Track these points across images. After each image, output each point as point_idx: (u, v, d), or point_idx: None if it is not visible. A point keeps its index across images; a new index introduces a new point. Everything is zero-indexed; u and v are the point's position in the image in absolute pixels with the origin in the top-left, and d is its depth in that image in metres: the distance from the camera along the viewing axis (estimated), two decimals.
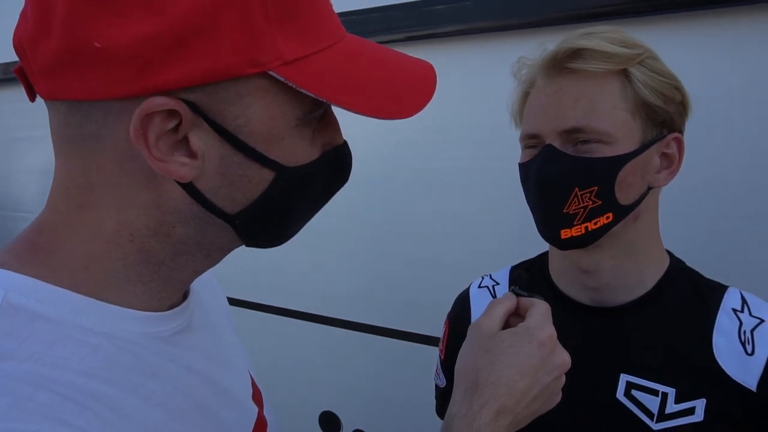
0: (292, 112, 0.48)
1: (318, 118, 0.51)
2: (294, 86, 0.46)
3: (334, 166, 0.54)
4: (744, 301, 0.81)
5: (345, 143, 0.56)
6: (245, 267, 1.94)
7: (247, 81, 0.45)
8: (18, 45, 0.47)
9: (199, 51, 0.43)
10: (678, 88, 0.79)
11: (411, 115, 0.50)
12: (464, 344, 0.65)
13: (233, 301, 2.02)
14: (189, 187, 0.47)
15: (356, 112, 0.48)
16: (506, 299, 0.66)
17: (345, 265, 1.83)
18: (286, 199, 0.51)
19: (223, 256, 0.55)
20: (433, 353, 1.07)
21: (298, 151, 0.50)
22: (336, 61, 0.49)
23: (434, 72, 0.55)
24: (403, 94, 0.51)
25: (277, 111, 0.47)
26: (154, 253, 0.50)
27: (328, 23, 0.51)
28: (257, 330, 2.04)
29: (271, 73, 0.46)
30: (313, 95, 0.47)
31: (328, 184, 0.55)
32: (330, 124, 0.54)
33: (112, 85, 0.43)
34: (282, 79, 0.46)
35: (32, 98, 0.49)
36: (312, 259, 1.85)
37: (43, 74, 0.46)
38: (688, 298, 0.83)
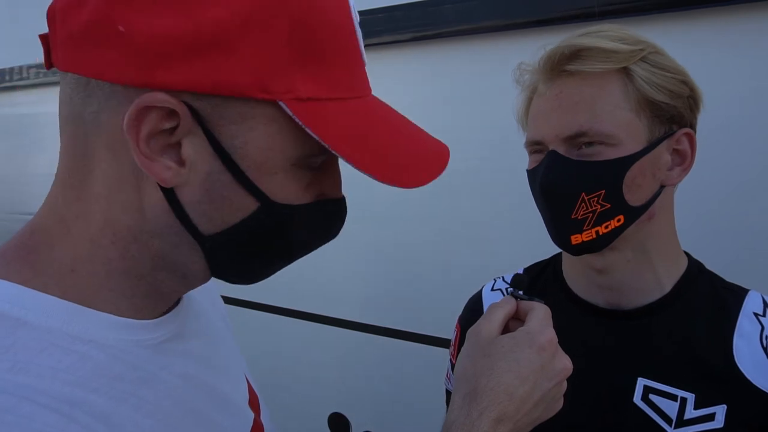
0: (292, 149, 0.47)
1: (319, 165, 0.50)
2: (300, 123, 0.45)
3: (322, 217, 0.53)
4: (766, 304, 0.79)
5: (342, 199, 0.54)
6: None
7: (255, 104, 0.45)
8: (50, 13, 0.47)
9: (214, 62, 0.43)
10: (685, 82, 0.77)
11: (410, 187, 0.49)
12: (463, 349, 0.63)
13: (243, 303, 2.04)
14: (169, 194, 0.47)
15: (355, 167, 0.46)
16: (506, 303, 0.65)
17: (355, 266, 1.82)
18: (264, 235, 0.49)
19: (199, 284, 0.54)
20: (444, 354, 1.06)
21: (289, 190, 0.49)
22: (349, 114, 0.48)
23: (448, 153, 0.53)
24: (410, 164, 0.50)
25: (277, 143, 0.46)
26: (133, 262, 0.49)
27: (353, 76, 0.50)
28: (267, 331, 2.04)
29: (281, 104, 0.45)
30: (316, 137, 0.46)
31: (312, 234, 0.53)
32: (331, 175, 0.52)
33: (122, 69, 0.43)
34: (290, 113, 0.45)
35: (48, 66, 0.49)
36: (322, 261, 1.84)
37: (64, 44, 0.46)
38: (707, 302, 0.81)
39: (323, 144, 0.46)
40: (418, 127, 0.54)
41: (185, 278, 0.52)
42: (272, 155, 0.46)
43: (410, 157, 0.51)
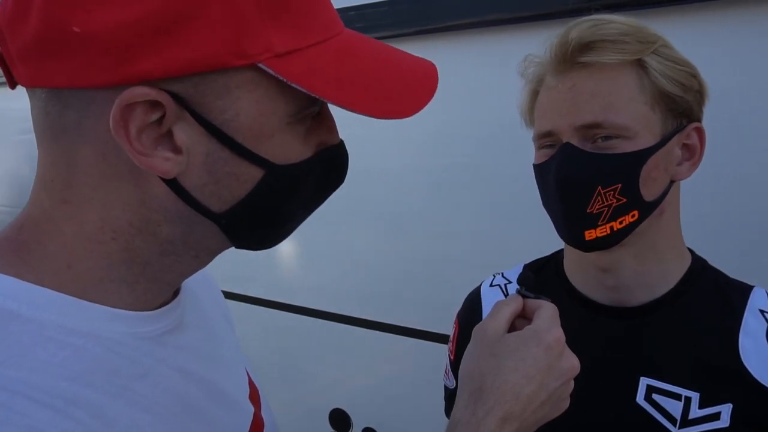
0: (283, 108, 0.46)
1: (312, 115, 0.49)
2: (284, 80, 0.44)
3: (327, 167, 0.52)
4: None
5: (341, 143, 0.53)
6: (258, 263, 1.93)
7: (235, 73, 0.43)
8: None
9: (184, 39, 0.41)
10: (695, 76, 0.76)
11: (408, 116, 0.47)
12: (468, 347, 0.62)
13: (245, 298, 2.04)
14: (173, 184, 0.45)
15: (349, 110, 0.45)
16: (512, 301, 0.64)
17: (356, 262, 1.81)
18: (276, 199, 0.49)
19: (212, 258, 0.53)
20: (444, 351, 1.05)
21: (290, 149, 0.47)
22: (331, 56, 0.47)
23: (436, 72, 0.52)
24: (402, 93, 0.49)
25: (268, 106, 0.45)
26: (139, 252, 0.48)
27: (324, 16, 0.48)
28: (269, 327, 2.04)
29: (260, 65, 0.43)
30: (304, 90, 0.44)
31: (321, 186, 0.53)
32: (325, 122, 0.51)
33: (92, 72, 0.41)
34: (272, 73, 0.43)
35: (12, 86, 0.47)
36: (324, 257, 1.85)
37: (22, 60, 0.44)
38: (711, 299, 0.79)
39: (313, 95, 0.45)
40: (400, 51, 0.52)
41: (197, 258, 0.51)
42: (265, 120, 0.45)
43: (401, 87, 0.49)
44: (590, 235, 0.75)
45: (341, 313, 1.87)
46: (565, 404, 0.61)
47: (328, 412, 1.97)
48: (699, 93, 0.77)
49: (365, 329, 1.82)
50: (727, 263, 0.85)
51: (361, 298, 1.83)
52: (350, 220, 1.72)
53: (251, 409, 0.63)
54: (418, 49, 0.55)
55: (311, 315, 1.95)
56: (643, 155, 0.73)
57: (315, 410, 2.00)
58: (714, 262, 0.85)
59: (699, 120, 0.79)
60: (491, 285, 0.95)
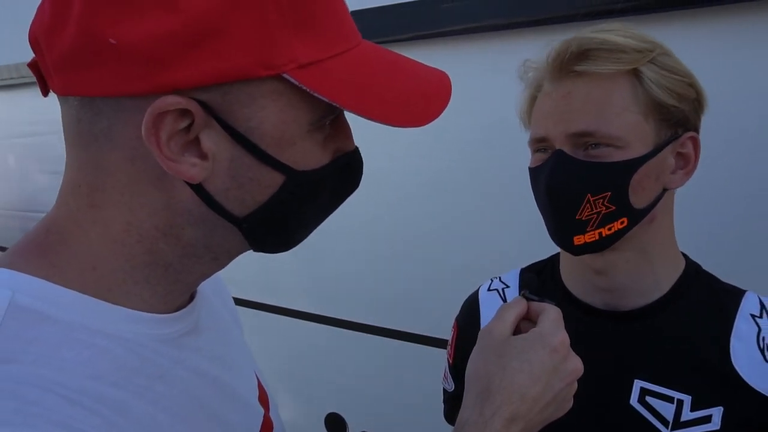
0: (305, 116, 0.48)
1: (330, 123, 0.51)
2: (308, 90, 0.46)
3: (344, 172, 0.54)
4: (762, 306, 0.79)
5: (356, 149, 0.55)
6: (253, 267, 1.93)
7: (260, 83, 0.45)
8: (33, 39, 0.47)
9: (213, 51, 0.43)
10: (692, 85, 0.77)
11: (424, 124, 0.50)
12: (475, 349, 0.64)
13: (240, 302, 2.03)
14: (198, 189, 0.47)
15: (370, 119, 0.47)
16: (517, 304, 0.66)
17: (352, 266, 1.82)
18: (295, 204, 0.50)
19: (230, 261, 0.55)
20: (441, 355, 1.06)
21: (310, 155, 0.49)
22: (351, 67, 0.49)
23: (449, 81, 0.54)
24: (418, 103, 0.51)
25: (291, 115, 0.47)
26: (162, 255, 0.50)
27: (344, 28, 0.50)
28: (264, 330, 2.04)
29: (285, 76, 0.45)
30: (327, 100, 0.46)
31: (337, 190, 0.55)
32: (342, 129, 0.53)
33: (125, 81, 0.43)
34: (296, 83, 0.45)
35: (45, 93, 0.49)
36: (319, 260, 1.85)
37: (57, 69, 0.45)
38: (704, 303, 0.81)
39: (335, 104, 0.47)
40: (413, 61, 0.54)
41: (216, 260, 0.53)
42: (288, 128, 0.47)
43: (416, 96, 0.51)
44: (579, 240, 0.76)
45: (338, 317, 1.88)
46: (569, 405, 0.63)
47: (324, 416, 1.98)
48: (697, 102, 0.77)
49: (362, 333, 1.82)
50: (720, 267, 0.86)
51: (357, 302, 1.83)
52: (346, 224, 1.72)
53: (261, 410, 0.64)
54: (415, 53, 0.57)
55: (307, 319, 1.96)
56: (634, 164, 0.74)
57: (311, 414, 2.00)
58: (707, 266, 0.86)
59: (696, 129, 0.79)
60: (489, 289, 0.97)
